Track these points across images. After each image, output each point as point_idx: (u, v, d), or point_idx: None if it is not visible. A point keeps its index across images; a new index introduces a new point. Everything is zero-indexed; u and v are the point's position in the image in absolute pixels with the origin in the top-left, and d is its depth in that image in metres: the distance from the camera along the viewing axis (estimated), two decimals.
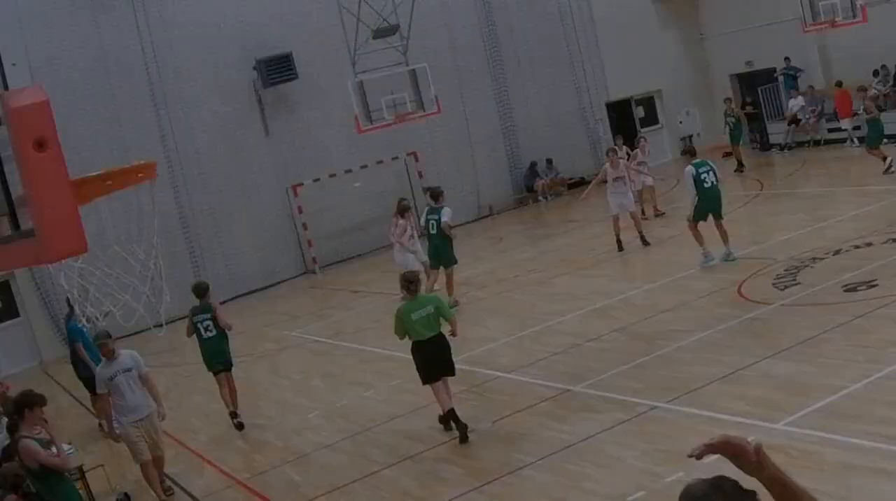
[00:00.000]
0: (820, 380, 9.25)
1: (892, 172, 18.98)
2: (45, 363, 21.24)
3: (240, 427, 12.53)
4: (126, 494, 10.88)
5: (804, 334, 10.63)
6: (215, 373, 12.66)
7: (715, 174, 14.95)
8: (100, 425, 14.22)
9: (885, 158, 19.30)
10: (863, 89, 22.33)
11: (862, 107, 21.41)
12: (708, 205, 14.74)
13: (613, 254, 17.83)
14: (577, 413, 10.06)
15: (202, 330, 12.39)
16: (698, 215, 14.80)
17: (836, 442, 7.75)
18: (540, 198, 26.71)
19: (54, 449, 8.46)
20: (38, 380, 19.04)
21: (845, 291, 11.96)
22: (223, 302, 23.05)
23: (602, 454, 8.87)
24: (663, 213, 20.29)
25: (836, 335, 10.43)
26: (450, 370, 10.29)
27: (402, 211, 16.97)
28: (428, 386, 10.41)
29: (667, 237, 18.36)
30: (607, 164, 18.03)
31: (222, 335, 12.47)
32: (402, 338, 10.37)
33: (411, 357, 10.39)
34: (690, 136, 29.10)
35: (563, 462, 8.89)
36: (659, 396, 9.86)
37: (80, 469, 10.47)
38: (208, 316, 12.33)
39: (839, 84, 24.30)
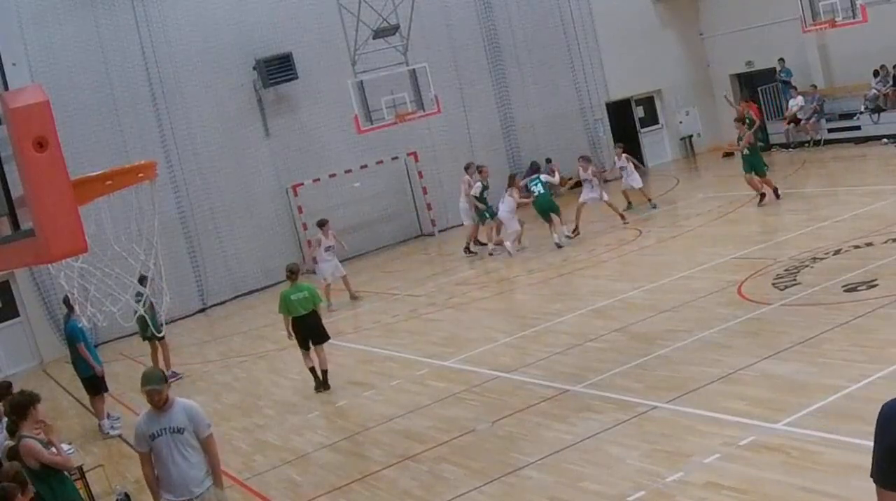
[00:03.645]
0: (820, 380, 9.25)
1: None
2: (45, 363, 21.23)
3: (174, 376, 15.78)
4: (126, 494, 10.85)
5: (804, 334, 10.64)
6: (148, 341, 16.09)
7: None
8: (99, 426, 14.25)
9: (649, 199, 21.59)
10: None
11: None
12: None
13: (614, 255, 17.86)
14: (577, 413, 10.06)
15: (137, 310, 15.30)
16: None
17: (836, 442, 7.75)
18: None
19: (54, 450, 8.46)
20: (38, 380, 19.05)
21: (845, 291, 11.97)
22: (223, 303, 23.23)
23: (602, 454, 8.86)
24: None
25: (836, 335, 10.43)
26: (323, 338, 13.42)
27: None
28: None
29: (667, 237, 18.38)
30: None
31: (153, 314, 14.68)
32: (285, 316, 13.33)
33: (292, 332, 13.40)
34: (691, 136, 29.14)
35: (563, 462, 8.89)
36: (659, 396, 9.87)
37: (80, 469, 10.44)
38: (142, 296, 14.67)
39: (750, 98, 25.73)
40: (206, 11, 23.44)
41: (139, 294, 14.74)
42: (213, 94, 23.51)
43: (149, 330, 15.45)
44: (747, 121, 24.18)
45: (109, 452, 13.19)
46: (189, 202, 23.23)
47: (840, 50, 25.22)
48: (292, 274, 13.57)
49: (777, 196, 19.19)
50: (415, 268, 21.74)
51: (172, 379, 15.76)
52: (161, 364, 16.03)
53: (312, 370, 13.54)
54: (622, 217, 20.52)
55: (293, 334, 13.47)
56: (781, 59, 26.40)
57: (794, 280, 13.04)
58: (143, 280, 15.08)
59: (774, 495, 7.23)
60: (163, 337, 15.95)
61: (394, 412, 11.68)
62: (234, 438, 12.52)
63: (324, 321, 13.77)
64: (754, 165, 19.33)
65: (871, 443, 3.02)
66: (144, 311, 14.78)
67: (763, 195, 19.10)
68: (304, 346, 13.48)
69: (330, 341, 13.77)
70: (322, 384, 13.41)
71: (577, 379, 11.09)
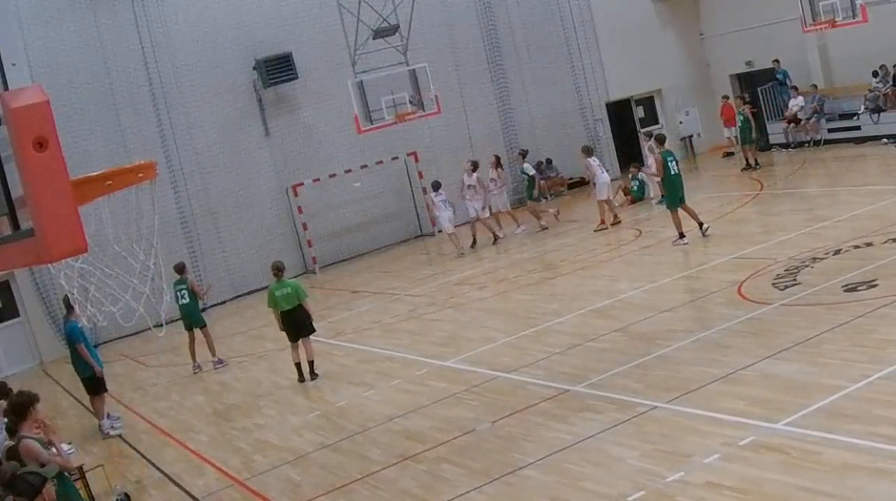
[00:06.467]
0: (820, 380, 9.25)
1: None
2: (45, 363, 21.24)
3: (219, 362, 16.65)
4: (126, 494, 10.86)
5: (804, 334, 10.64)
6: (189, 330, 16.58)
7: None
8: (99, 426, 14.25)
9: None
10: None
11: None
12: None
13: (614, 255, 17.86)
14: (577, 413, 10.06)
15: (179, 298, 16.42)
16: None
17: (836, 442, 7.75)
18: (540, 197, 26.67)
19: (53, 450, 8.46)
20: (38, 380, 19.06)
21: (845, 291, 11.96)
22: (223, 303, 23.22)
23: (602, 454, 8.87)
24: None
25: (836, 335, 10.43)
26: (308, 331, 14.17)
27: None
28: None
29: (667, 237, 18.38)
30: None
31: (194, 301, 16.55)
32: (273, 309, 14.17)
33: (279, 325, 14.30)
34: (691, 136, 29.14)
35: (563, 462, 8.89)
36: (659, 396, 9.86)
37: (80, 469, 10.44)
38: (183, 286, 16.40)
39: (726, 97, 26.38)
40: (206, 11, 23.44)
41: (180, 282, 16.37)
42: (214, 94, 23.51)
43: (196, 317, 16.58)
44: (741, 120, 24.42)
45: (109, 452, 13.20)
46: (189, 202, 23.24)
47: (840, 50, 25.21)
48: (278, 271, 14.36)
49: (701, 232, 16.99)
50: (415, 268, 21.74)
51: (219, 366, 16.66)
52: (195, 352, 16.81)
53: (298, 365, 14.24)
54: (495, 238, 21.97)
55: (282, 327, 14.32)
56: (776, 60, 26.41)
57: (794, 280, 13.04)
58: (180, 269, 16.57)
59: (774, 495, 7.24)
60: (204, 326, 16.77)
61: (394, 412, 11.68)
62: (234, 438, 12.53)
63: (326, 320, 13.80)
64: (667, 196, 17.56)
65: (872, 443, 3.01)
66: (188, 300, 16.45)
67: (681, 235, 16.93)
68: (292, 339, 14.24)
69: (330, 341, 13.82)
70: (310, 372, 14.18)
71: (577, 379, 11.08)
